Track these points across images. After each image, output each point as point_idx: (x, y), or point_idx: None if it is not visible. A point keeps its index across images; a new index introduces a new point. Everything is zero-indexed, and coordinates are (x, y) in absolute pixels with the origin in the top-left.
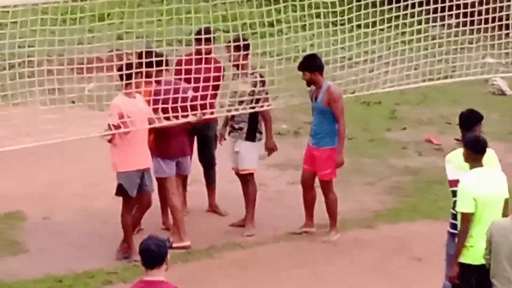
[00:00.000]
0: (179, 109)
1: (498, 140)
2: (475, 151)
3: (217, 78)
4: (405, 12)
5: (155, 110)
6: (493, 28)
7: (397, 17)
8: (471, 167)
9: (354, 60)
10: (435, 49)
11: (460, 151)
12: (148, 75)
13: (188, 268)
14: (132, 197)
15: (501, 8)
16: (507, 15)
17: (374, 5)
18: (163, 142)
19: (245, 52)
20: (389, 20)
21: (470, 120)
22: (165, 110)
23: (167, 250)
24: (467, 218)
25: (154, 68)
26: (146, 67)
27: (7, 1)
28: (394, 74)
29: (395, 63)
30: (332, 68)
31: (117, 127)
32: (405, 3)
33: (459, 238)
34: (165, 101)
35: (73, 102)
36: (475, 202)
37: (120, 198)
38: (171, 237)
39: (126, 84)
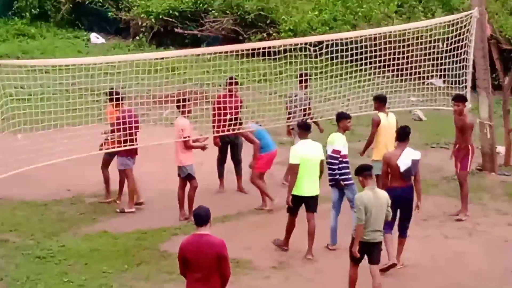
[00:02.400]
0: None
1: (418, 148)
2: (303, 129)
3: (239, 107)
4: (360, 68)
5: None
6: (414, 79)
7: (356, 71)
8: (301, 139)
9: (328, 97)
10: (379, 91)
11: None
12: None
13: (224, 227)
14: (187, 181)
15: (420, 66)
16: (423, 71)
17: (341, 62)
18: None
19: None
20: (351, 72)
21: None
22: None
23: (210, 215)
24: (293, 168)
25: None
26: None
27: (113, 58)
28: (352, 106)
29: (353, 99)
30: (313, 101)
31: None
32: (360, 62)
33: (290, 180)
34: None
35: (155, 122)
36: (300, 159)
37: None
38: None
39: (182, 112)
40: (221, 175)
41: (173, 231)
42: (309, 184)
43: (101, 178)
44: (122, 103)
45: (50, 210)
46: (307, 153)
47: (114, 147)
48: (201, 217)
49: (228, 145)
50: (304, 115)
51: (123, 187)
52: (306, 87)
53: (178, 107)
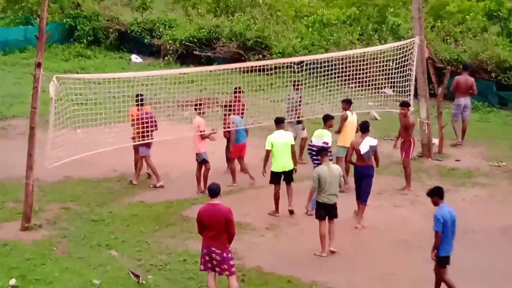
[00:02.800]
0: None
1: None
2: (277, 123)
3: (243, 110)
4: (331, 80)
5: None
6: (371, 89)
7: (327, 83)
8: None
9: (307, 102)
10: (345, 97)
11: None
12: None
13: (230, 198)
14: (203, 164)
15: (375, 79)
16: (377, 83)
17: (317, 76)
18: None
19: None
20: (324, 84)
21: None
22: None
23: (220, 189)
24: (267, 152)
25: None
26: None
27: (148, 73)
28: (326, 109)
29: (326, 103)
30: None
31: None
32: (331, 76)
33: (264, 160)
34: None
35: (178, 121)
36: (272, 144)
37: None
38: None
39: (198, 113)
40: (228, 160)
41: (192, 201)
42: (282, 162)
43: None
44: (142, 107)
45: (101, 185)
46: (278, 140)
47: (139, 140)
48: (214, 191)
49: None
50: (297, 111)
51: (140, 169)
52: (297, 89)
53: (195, 109)
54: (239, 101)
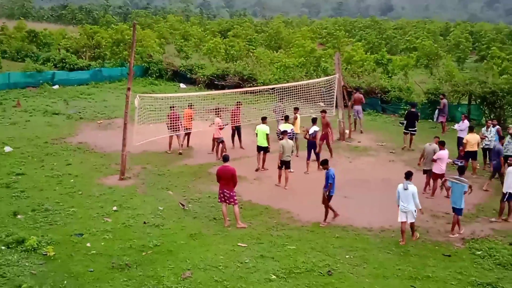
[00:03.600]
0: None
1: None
2: (262, 119)
3: (240, 114)
4: (291, 97)
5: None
6: (312, 102)
7: (288, 99)
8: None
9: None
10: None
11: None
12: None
13: (233, 163)
14: (220, 143)
15: (314, 97)
16: (315, 99)
17: (280, 94)
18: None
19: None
20: (286, 99)
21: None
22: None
23: (229, 158)
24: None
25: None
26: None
27: (190, 94)
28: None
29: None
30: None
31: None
32: (288, 95)
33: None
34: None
35: (206, 120)
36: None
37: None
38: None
39: (217, 115)
40: (232, 142)
41: (214, 164)
42: (260, 141)
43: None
44: (173, 109)
45: (163, 155)
46: (259, 129)
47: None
48: (226, 158)
49: (235, 130)
50: (282, 114)
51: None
52: (281, 101)
53: (216, 113)
54: (238, 109)
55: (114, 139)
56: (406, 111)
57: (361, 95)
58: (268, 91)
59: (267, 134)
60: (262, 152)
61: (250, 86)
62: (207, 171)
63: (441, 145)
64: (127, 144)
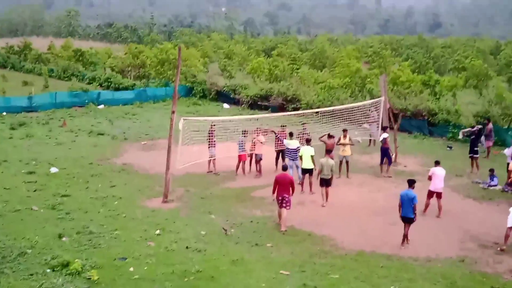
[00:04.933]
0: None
1: (359, 154)
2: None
3: (285, 137)
4: (334, 120)
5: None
6: (357, 124)
7: (330, 122)
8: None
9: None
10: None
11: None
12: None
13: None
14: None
15: (360, 120)
16: (361, 122)
17: (324, 116)
18: None
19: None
20: (330, 122)
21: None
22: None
23: (287, 168)
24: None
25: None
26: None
27: (234, 118)
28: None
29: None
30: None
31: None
32: (334, 118)
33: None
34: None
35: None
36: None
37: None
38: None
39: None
40: (276, 164)
41: (256, 187)
42: (305, 163)
43: (226, 166)
44: (213, 128)
45: (205, 178)
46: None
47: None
48: (285, 167)
49: (280, 152)
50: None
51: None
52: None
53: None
54: (283, 132)
55: (157, 160)
56: (477, 127)
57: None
58: (313, 114)
59: (312, 156)
60: (308, 174)
61: (294, 107)
62: (249, 194)
63: (437, 163)
64: (171, 166)
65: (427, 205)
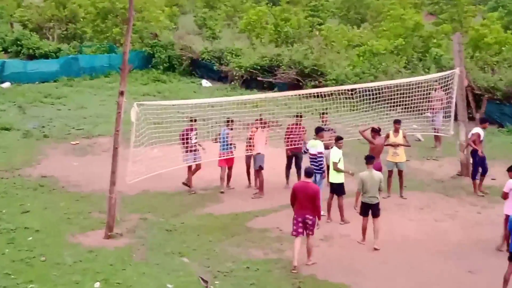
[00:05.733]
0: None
1: (417, 160)
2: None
3: (303, 134)
4: (378, 104)
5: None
6: (415, 112)
7: (376, 106)
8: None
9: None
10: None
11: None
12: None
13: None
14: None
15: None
16: (421, 107)
17: (367, 100)
18: None
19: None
20: (372, 107)
21: None
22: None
23: (313, 173)
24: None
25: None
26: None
27: (216, 99)
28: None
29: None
30: (348, 128)
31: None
32: (379, 100)
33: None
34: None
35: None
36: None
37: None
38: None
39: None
40: (287, 176)
41: (255, 214)
42: (332, 175)
43: (209, 177)
44: (192, 124)
45: (174, 198)
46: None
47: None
48: (309, 172)
49: (293, 157)
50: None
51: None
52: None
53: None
54: (299, 126)
55: (96, 171)
56: None
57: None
58: (345, 93)
59: (335, 163)
60: (335, 194)
61: (315, 85)
62: (244, 224)
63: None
64: (118, 180)
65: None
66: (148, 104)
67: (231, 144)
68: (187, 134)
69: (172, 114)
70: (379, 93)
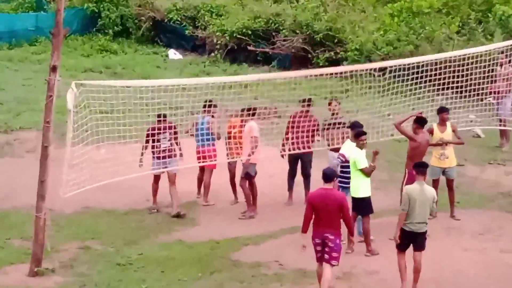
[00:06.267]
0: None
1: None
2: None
3: (314, 128)
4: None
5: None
6: (472, 96)
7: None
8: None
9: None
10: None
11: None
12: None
13: (293, 237)
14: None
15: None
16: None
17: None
18: None
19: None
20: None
21: None
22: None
23: (335, 175)
24: None
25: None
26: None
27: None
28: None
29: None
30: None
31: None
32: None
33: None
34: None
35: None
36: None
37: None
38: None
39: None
40: (290, 188)
41: (244, 241)
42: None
43: (178, 190)
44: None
45: (130, 219)
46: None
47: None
48: (328, 176)
49: (298, 160)
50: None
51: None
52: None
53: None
54: (307, 116)
55: (18, 179)
56: None
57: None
58: (372, 73)
59: (361, 170)
60: (359, 214)
61: (330, 57)
62: (228, 257)
63: None
64: (49, 194)
65: None
66: (93, 84)
67: (213, 134)
68: (153, 135)
69: (127, 99)
70: (421, 71)
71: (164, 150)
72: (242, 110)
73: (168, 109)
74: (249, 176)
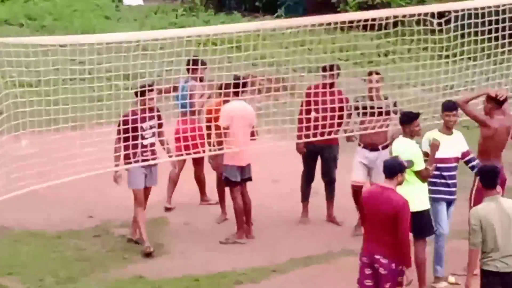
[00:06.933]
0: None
1: None
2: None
3: (340, 108)
4: (503, 49)
5: None
6: None
7: (496, 52)
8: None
9: (456, 89)
10: None
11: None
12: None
13: (309, 271)
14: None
15: None
16: None
17: (475, 41)
18: None
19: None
20: (488, 49)
21: None
22: None
23: (401, 169)
24: None
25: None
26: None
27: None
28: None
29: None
30: (435, 95)
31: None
32: (503, 41)
33: None
34: None
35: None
36: None
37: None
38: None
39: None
40: (305, 197)
41: (237, 278)
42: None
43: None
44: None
45: (65, 244)
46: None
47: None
48: (391, 168)
49: (317, 157)
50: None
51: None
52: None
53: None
54: (331, 87)
55: None
56: None
57: None
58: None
59: (417, 172)
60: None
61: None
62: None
63: None
64: None
65: None
66: (9, 42)
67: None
68: (134, 122)
69: (60, 65)
70: (500, 20)
71: (146, 146)
72: (227, 84)
73: (122, 78)
74: (231, 183)
